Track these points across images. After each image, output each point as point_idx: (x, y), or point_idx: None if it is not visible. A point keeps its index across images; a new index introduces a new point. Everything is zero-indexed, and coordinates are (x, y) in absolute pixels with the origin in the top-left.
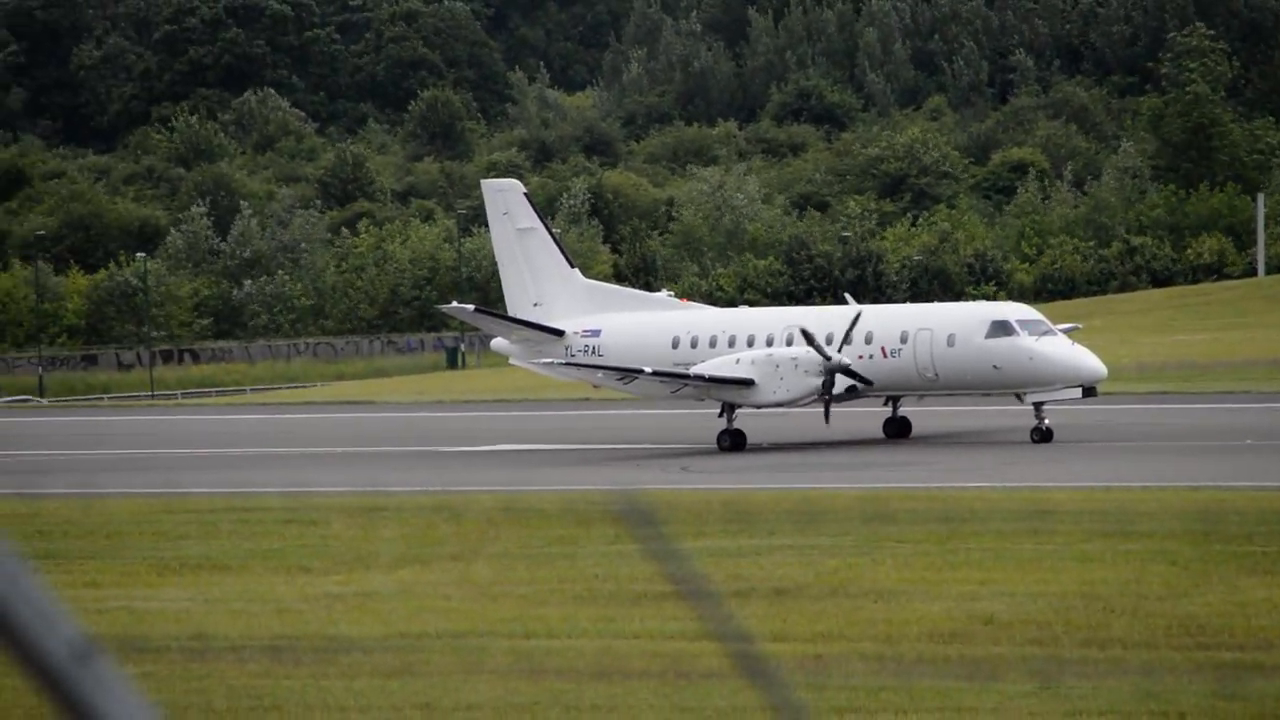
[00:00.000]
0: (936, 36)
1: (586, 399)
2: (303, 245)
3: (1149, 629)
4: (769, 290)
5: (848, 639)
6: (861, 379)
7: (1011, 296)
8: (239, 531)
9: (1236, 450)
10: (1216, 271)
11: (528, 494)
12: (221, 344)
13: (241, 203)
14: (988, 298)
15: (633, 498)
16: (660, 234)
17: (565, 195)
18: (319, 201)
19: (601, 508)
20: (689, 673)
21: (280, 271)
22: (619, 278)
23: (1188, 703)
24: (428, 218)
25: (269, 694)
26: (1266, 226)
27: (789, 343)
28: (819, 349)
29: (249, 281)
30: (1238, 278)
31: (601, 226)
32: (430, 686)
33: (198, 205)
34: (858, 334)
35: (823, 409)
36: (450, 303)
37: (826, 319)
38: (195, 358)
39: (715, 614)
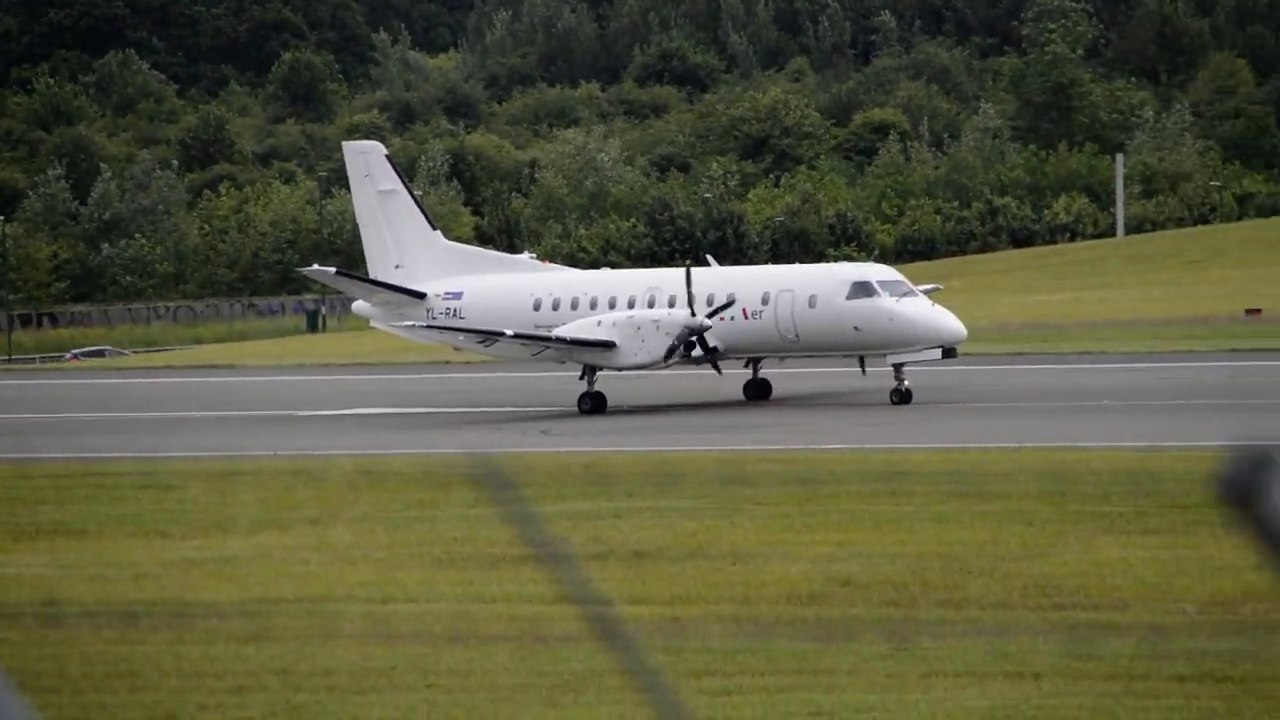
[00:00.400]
0: None
1: (448, 362)
2: (161, 208)
3: (1005, 589)
4: (631, 252)
5: (706, 601)
6: (725, 305)
7: (872, 257)
8: (95, 497)
9: (1093, 411)
10: (1075, 232)
11: (387, 458)
12: (80, 308)
13: (101, 165)
14: (849, 259)
15: (489, 461)
16: (523, 196)
17: (424, 157)
18: (177, 164)
19: (460, 471)
20: (547, 636)
21: (139, 235)
22: (482, 240)
23: (1043, 663)
24: (289, 180)
25: (124, 660)
26: (1125, 187)
27: (650, 304)
28: (691, 299)
29: (107, 245)
30: (1095, 238)
31: (462, 189)
32: (287, 651)
33: (54, 168)
34: (719, 295)
35: (683, 369)
36: (311, 265)
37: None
38: (54, 321)
39: (571, 577)
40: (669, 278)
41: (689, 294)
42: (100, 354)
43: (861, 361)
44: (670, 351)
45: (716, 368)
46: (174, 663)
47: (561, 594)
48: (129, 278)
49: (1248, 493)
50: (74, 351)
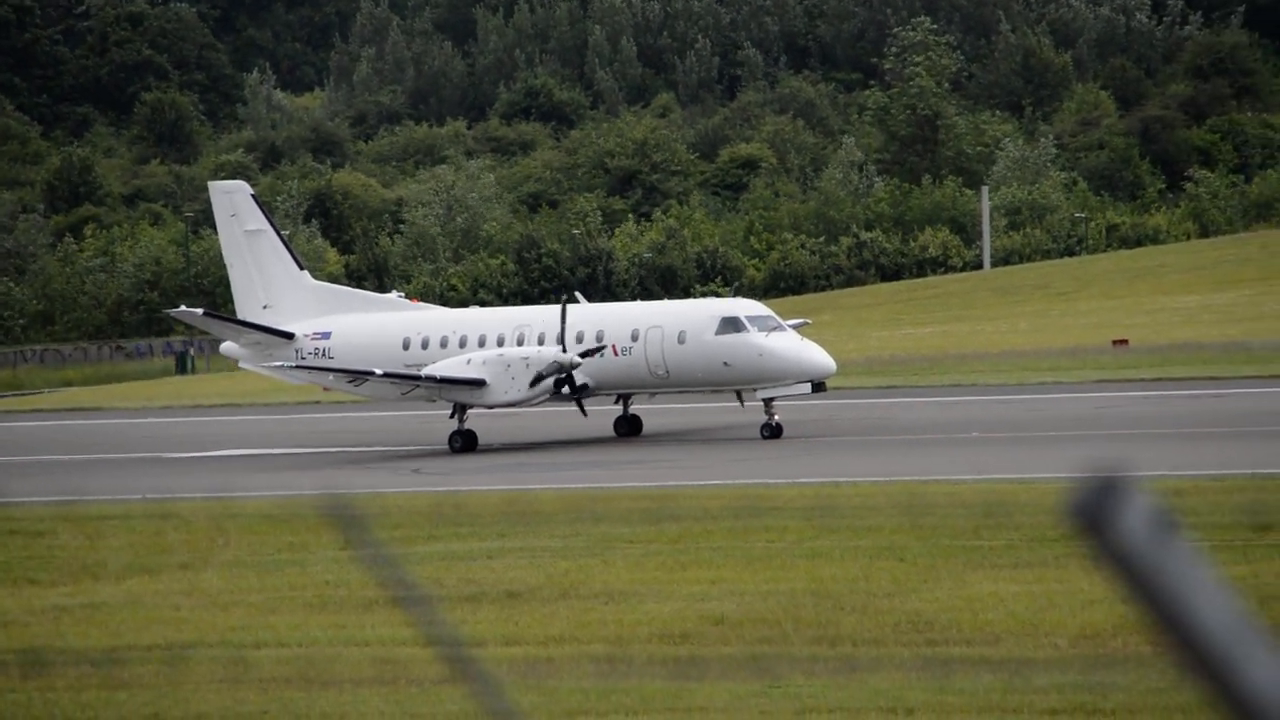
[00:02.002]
0: (665, 33)
1: (318, 402)
2: (29, 250)
3: (877, 625)
4: (501, 290)
5: (579, 641)
6: (596, 349)
7: (734, 291)
8: None
9: (963, 443)
10: (942, 265)
11: (257, 500)
12: None
13: None
14: (716, 295)
15: (344, 501)
16: (390, 234)
17: (282, 196)
18: (42, 207)
19: (323, 516)
20: (421, 679)
21: (4, 278)
22: (351, 279)
23: (916, 698)
24: (156, 221)
25: None
26: (991, 220)
27: (520, 342)
28: (563, 332)
29: None
30: (962, 270)
31: (330, 227)
32: (159, 697)
33: None
34: (588, 331)
35: (564, 408)
36: (179, 306)
37: (557, 319)
38: None
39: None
40: (538, 315)
41: (563, 329)
42: None
43: (739, 395)
44: (537, 381)
45: (582, 408)
46: (45, 709)
47: (421, 635)
48: None
49: (1096, 518)
50: None
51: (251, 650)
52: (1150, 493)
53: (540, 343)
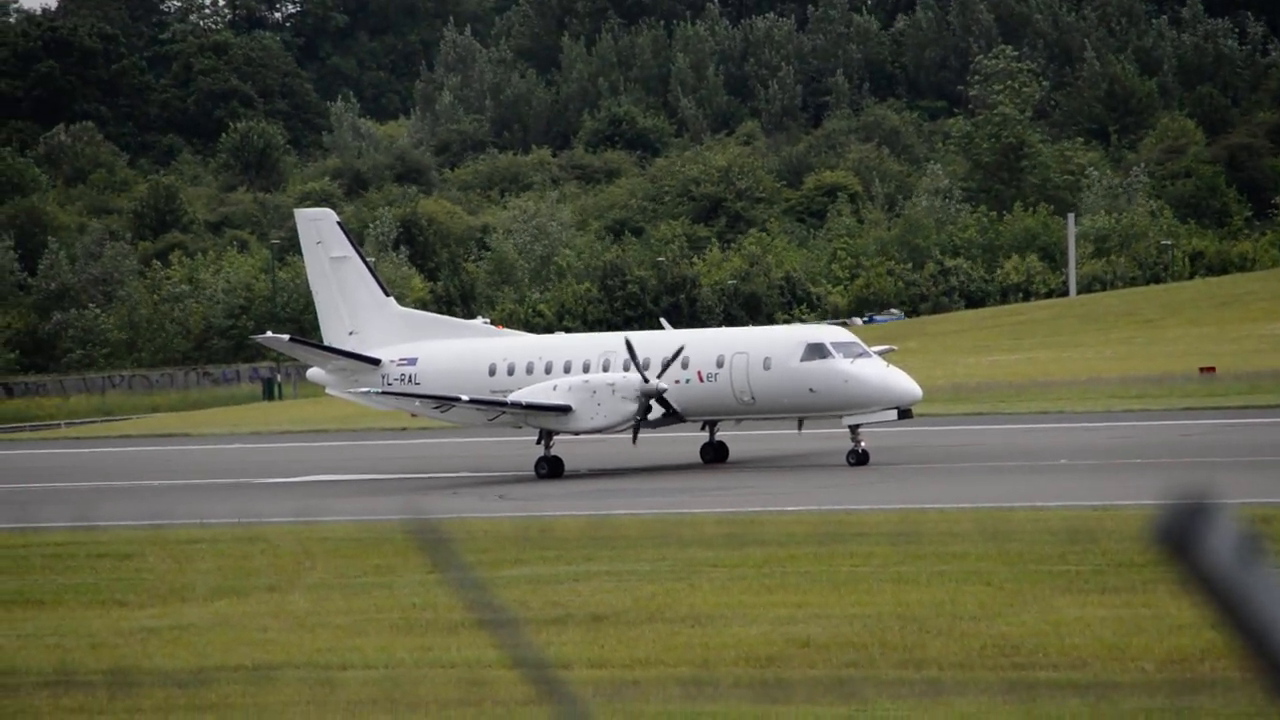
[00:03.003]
0: (751, 60)
1: (404, 428)
2: (116, 276)
3: (963, 649)
4: (586, 317)
5: (664, 664)
6: (672, 410)
7: (825, 319)
8: (51, 566)
9: (1050, 470)
10: (1027, 292)
11: (344, 524)
12: (34, 378)
13: (49, 237)
14: (800, 321)
15: (432, 525)
16: (475, 261)
17: (373, 224)
18: (129, 234)
19: (409, 538)
20: (507, 701)
21: (92, 304)
22: (436, 305)
23: None
24: (242, 248)
25: None
26: (1078, 246)
27: (605, 368)
28: (638, 366)
29: (57, 314)
30: (1045, 297)
31: (415, 254)
32: (245, 718)
33: (4, 239)
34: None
35: (654, 434)
36: (265, 333)
37: (643, 344)
38: (9, 392)
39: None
40: (623, 342)
41: (633, 359)
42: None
43: (799, 423)
44: (631, 416)
45: (635, 434)
46: None
47: (507, 657)
48: (81, 349)
49: (1183, 542)
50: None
51: (338, 672)
52: (1237, 517)
53: (625, 369)
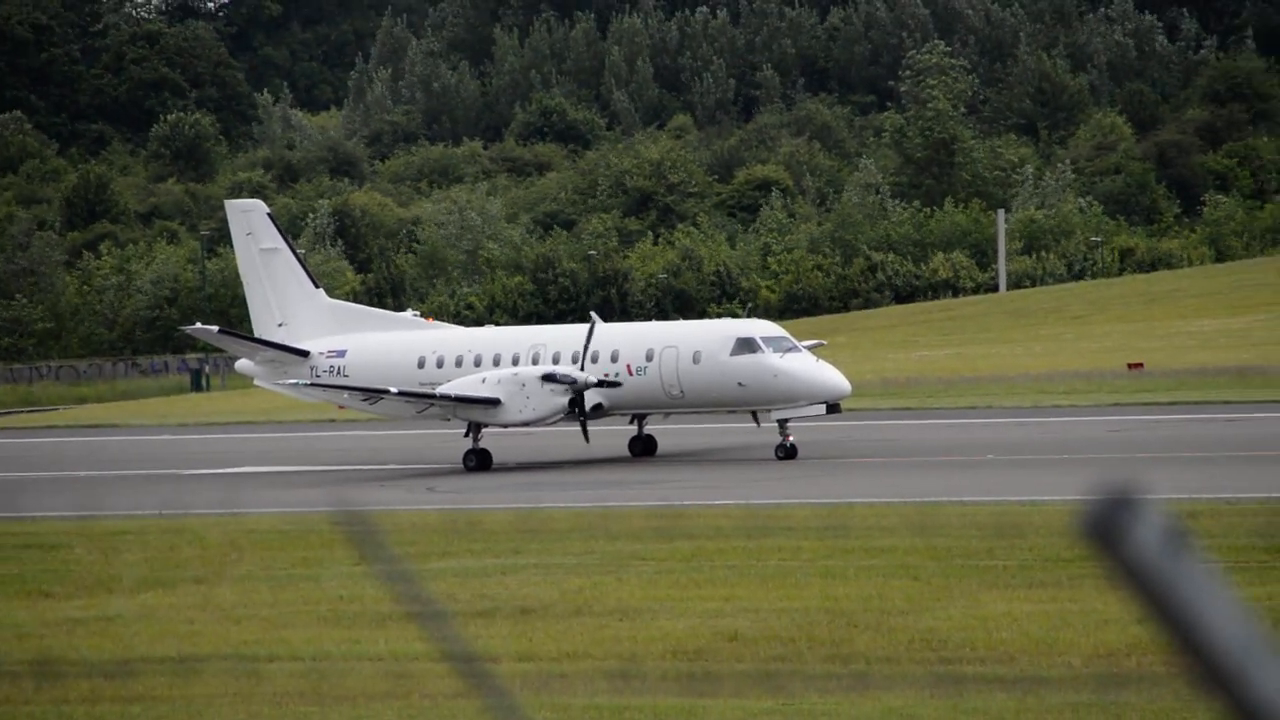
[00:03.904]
0: (685, 54)
1: (333, 420)
2: (42, 269)
3: (891, 644)
4: (517, 310)
5: (592, 657)
6: (612, 383)
7: (756, 314)
8: None
9: (978, 465)
10: (956, 288)
11: (272, 516)
12: None
13: None
14: (731, 316)
15: (361, 517)
16: (406, 253)
17: (310, 216)
18: (59, 223)
19: (339, 530)
20: (433, 694)
21: (19, 295)
22: (367, 298)
23: (929, 716)
24: (172, 239)
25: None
26: (1007, 243)
27: (534, 361)
28: (562, 378)
29: None
30: (975, 293)
31: (346, 247)
32: (172, 709)
33: None
34: (603, 352)
35: (578, 429)
36: (195, 324)
37: (573, 338)
38: None
39: (443, 633)
40: (554, 335)
41: (585, 350)
42: None
43: (755, 415)
44: (560, 409)
45: (585, 433)
46: None
47: (436, 649)
48: (7, 339)
49: (1110, 536)
50: None
51: (264, 664)
52: (1164, 511)
53: (555, 362)
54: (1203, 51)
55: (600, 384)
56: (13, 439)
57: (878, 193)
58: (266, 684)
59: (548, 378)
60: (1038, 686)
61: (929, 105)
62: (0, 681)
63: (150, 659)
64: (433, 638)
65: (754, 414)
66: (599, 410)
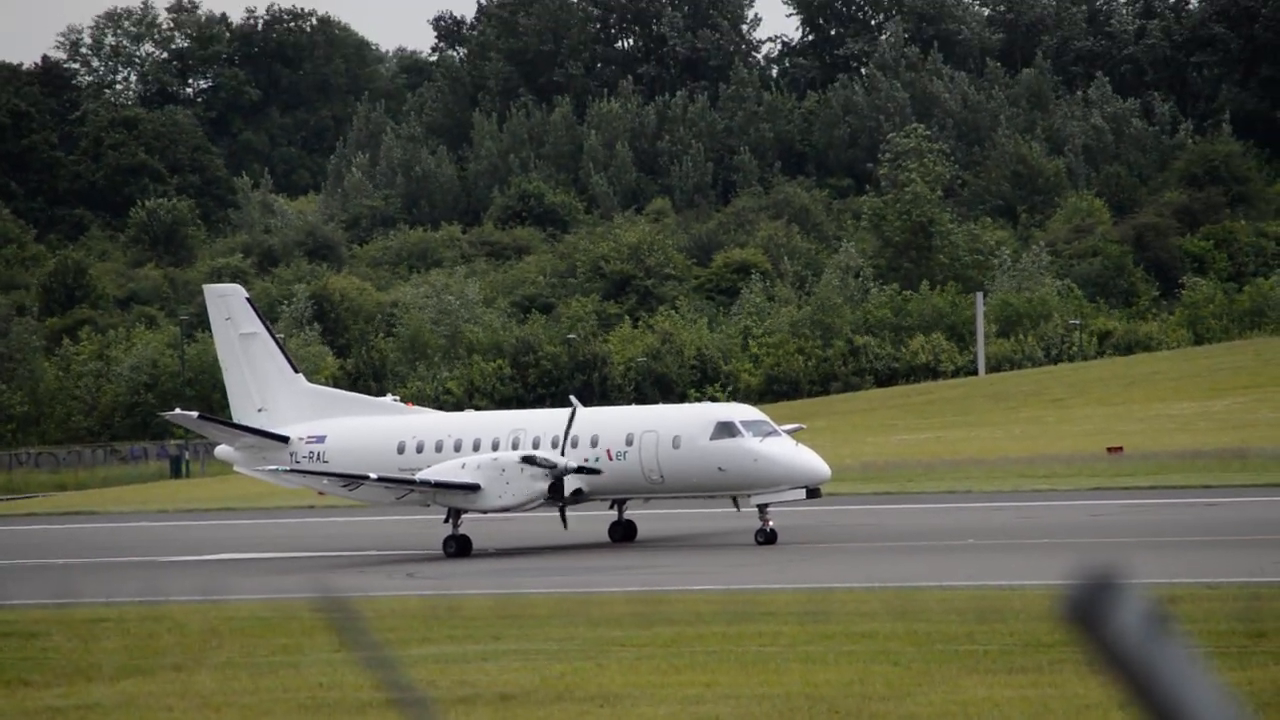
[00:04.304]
0: (665, 138)
1: (313, 506)
2: (19, 355)
3: None
4: (496, 395)
5: None
6: (591, 470)
7: (727, 396)
8: None
9: (958, 550)
10: (935, 371)
11: (252, 603)
12: None
13: None
14: (712, 399)
15: (342, 603)
16: (385, 338)
17: (288, 301)
18: (36, 309)
19: (320, 616)
20: None
21: None
22: (348, 382)
23: None
24: (151, 324)
25: None
26: (985, 326)
27: (514, 446)
28: (543, 463)
29: None
30: (954, 376)
31: (325, 331)
32: None
33: None
34: (583, 437)
35: (557, 514)
36: (174, 409)
37: (553, 422)
38: None
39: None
40: (533, 419)
41: (566, 435)
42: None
43: (735, 500)
44: (540, 495)
45: (564, 519)
46: None
47: None
48: None
49: (1092, 620)
50: None
51: None
52: (1144, 595)
53: (535, 447)
54: (1179, 135)
55: (580, 470)
56: None
57: (858, 276)
58: None
59: (527, 461)
60: None
61: (907, 189)
62: None
63: None
64: None
65: (734, 499)
66: (579, 495)
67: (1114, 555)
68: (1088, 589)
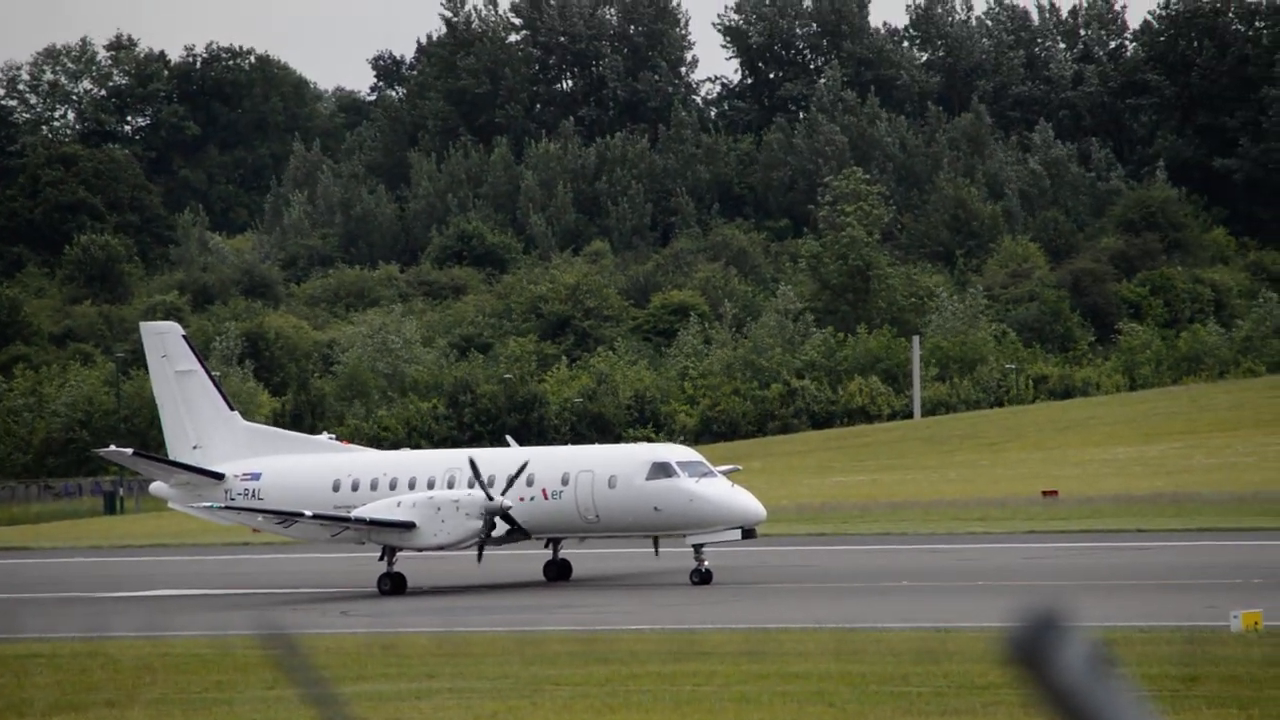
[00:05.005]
0: (602, 178)
1: (247, 543)
2: None
3: None
4: (433, 434)
5: None
6: (518, 526)
7: (673, 439)
8: None
9: (893, 591)
10: (871, 414)
11: (185, 639)
12: None
13: None
14: (648, 440)
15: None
16: (321, 377)
17: (220, 338)
18: None
19: (259, 653)
20: None
21: None
22: (284, 420)
23: None
24: (86, 361)
25: None
26: (922, 369)
27: (450, 485)
28: (482, 485)
29: None
30: (890, 419)
31: (261, 369)
32: None
33: None
34: (519, 476)
35: (497, 552)
36: (109, 446)
37: (488, 461)
38: None
39: None
40: (467, 458)
41: (477, 479)
42: None
43: (655, 542)
44: (475, 533)
45: (480, 553)
46: None
47: None
48: None
49: (1035, 659)
50: None
51: None
52: (1086, 635)
53: (470, 486)
54: (1113, 180)
55: (506, 518)
56: None
57: (796, 319)
58: None
59: (473, 467)
60: None
61: (844, 232)
62: None
63: None
64: None
65: (655, 542)
66: (517, 534)
67: (1052, 597)
68: (1031, 629)
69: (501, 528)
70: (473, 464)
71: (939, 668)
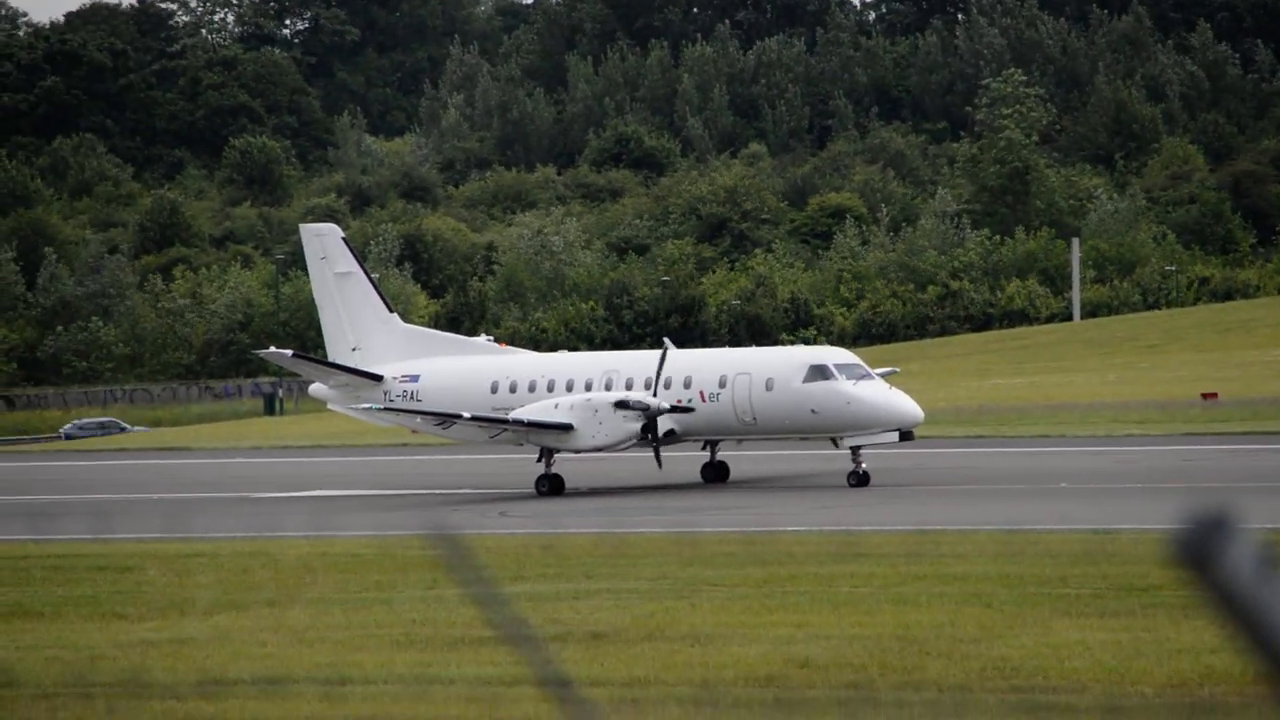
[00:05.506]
0: (763, 81)
1: (405, 444)
2: (113, 291)
3: (963, 671)
4: (592, 336)
5: (664, 683)
6: (684, 409)
7: (830, 341)
8: (51, 579)
9: (1051, 494)
10: (1030, 316)
11: (344, 539)
12: (36, 391)
13: (46, 249)
14: (805, 342)
15: (454, 540)
16: (480, 279)
17: (378, 240)
18: (127, 247)
19: (418, 552)
20: (506, 719)
21: (95, 318)
22: (442, 323)
23: None
24: (246, 263)
25: None
26: (1081, 271)
27: (607, 387)
28: (635, 404)
29: (60, 329)
30: (1047, 321)
31: (419, 272)
32: None
33: (5, 250)
34: (676, 378)
35: (651, 454)
36: (268, 348)
37: (646, 364)
38: (10, 404)
39: (536, 658)
40: (627, 361)
41: (658, 376)
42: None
43: (835, 440)
44: (633, 435)
45: (658, 459)
46: None
47: (522, 673)
48: (83, 361)
49: (1203, 560)
50: (77, 424)
51: (337, 687)
52: (1255, 536)
53: (629, 388)
54: (1276, 82)
55: (673, 409)
56: (88, 461)
57: (955, 221)
58: (339, 707)
59: (620, 404)
60: (1111, 715)
61: (1003, 134)
62: (74, 703)
63: (223, 681)
64: (526, 662)
65: (834, 439)
66: (672, 436)
67: (1218, 499)
68: (1199, 530)
69: (664, 424)
70: (662, 357)
71: (1097, 569)
